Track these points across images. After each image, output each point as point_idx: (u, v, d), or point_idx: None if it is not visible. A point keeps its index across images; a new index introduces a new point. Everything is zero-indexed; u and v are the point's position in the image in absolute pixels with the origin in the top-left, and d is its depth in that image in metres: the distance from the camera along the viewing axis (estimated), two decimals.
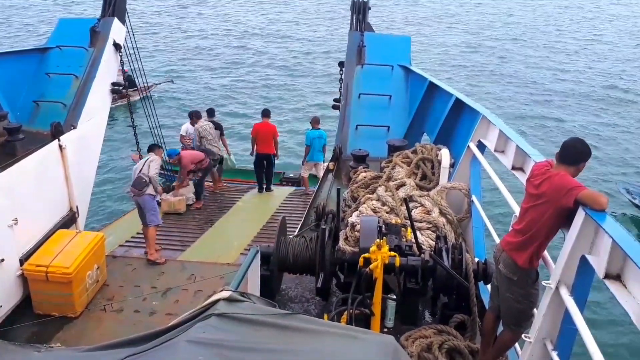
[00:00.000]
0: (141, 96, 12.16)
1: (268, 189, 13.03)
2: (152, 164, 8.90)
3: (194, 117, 12.38)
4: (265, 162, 12.58)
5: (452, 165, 7.05)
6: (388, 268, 4.72)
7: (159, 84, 24.45)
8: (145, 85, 12.58)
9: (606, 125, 21.25)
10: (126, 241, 9.92)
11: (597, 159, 17.70)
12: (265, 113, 12.41)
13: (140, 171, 8.95)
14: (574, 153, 4.00)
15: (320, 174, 11.25)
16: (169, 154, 11.25)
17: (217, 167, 12.80)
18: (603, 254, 3.38)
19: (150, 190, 8.94)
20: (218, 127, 12.50)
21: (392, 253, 4.73)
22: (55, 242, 7.79)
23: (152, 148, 9.47)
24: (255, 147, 12.42)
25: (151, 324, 7.17)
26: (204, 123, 12.10)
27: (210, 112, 12.86)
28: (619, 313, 9.46)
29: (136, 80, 11.47)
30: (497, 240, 4.77)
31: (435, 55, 30.31)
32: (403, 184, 6.68)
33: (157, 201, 9.46)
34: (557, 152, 4.08)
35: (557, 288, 3.85)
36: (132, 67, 11.10)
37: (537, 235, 4.02)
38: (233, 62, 29.45)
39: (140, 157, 13.83)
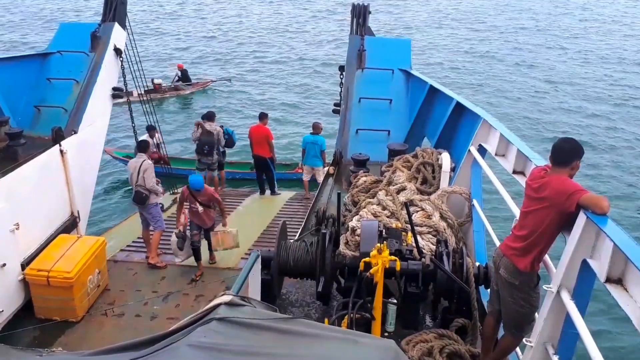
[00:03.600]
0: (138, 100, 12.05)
1: (273, 193, 13.11)
2: (147, 175, 8.84)
3: (151, 130, 12.77)
4: (261, 165, 12.69)
5: (453, 169, 7.05)
6: (388, 272, 4.72)
7: (215, 80, 24.98)
8: (140, 88, 12.33)
9: (618, 128, 21.19)
10: (127, 246, 9.94)
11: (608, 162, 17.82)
12: (261, 116, 12.69)
13: (136, 183, 8.94)
14: (564, 154, 4.00)
15: (320, 179, 11.27)
16: (194, 184, 8.75)
17: (218, 172, 12.84)
18: (604, 257, 3.38)
19: (152, 199, 8.97)
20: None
21: (393, 257, 4.72)
22: (56, 247, 7.81)
23: (143, 148, 9.33)
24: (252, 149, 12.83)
25: (152, 329, 7.17)
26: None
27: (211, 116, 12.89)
28: (621, 317, 9.43)
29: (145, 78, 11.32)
30: (498, 244, 4.76)
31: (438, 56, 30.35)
32: (403, 188, 6.68)
33: (161, 205, 9.47)
34: (550, 156, 4.08)
35: (558, 292, 3.85)
36: (132, 69, 11.08)
37: (538, 240, 4.01)
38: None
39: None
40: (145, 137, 15.05)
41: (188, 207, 8.97)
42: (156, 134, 13.19)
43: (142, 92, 11.43)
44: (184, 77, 23.57)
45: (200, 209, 8.81)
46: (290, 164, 16.14)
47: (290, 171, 15.78)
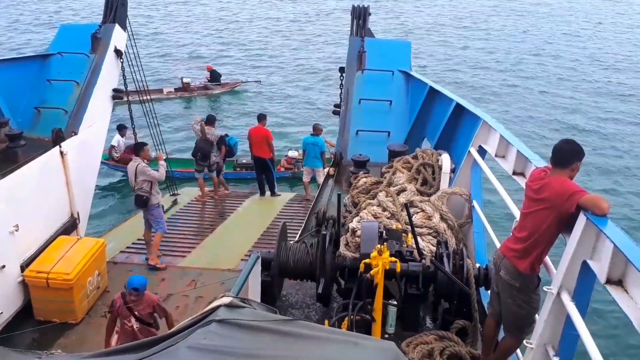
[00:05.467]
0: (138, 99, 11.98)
1: (273, 194, 13.11)
2: (146, 176, 8.82)
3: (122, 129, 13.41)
4: (261, 166, 12.69)
5: (453, 171, 7.05)
6: (389, 274, 4.71)
7: (245, 82, 25.37)
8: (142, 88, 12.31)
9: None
10: (127, 247, 9.93)
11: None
12: (259, 117, 12.65)
13: (135, 187, 8.96)
14: (564, 155, 4.00)
15: (320, 180, 11.28)
16: (132, 281, 6.30)
17: (218, 175, 12.85)
18: (604, 259, 3.38)
19: (153, 200, 8.97)
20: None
21: (393, 259, 4.71)
22: (56, 249, 7.80)
23: (138, 150, 9.25)
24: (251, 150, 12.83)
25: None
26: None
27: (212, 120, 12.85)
28: (621, 318, 9.42)
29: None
30: (499, 245, 4.76)
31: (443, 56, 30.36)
32: (404, 190, 6.68)
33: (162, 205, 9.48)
34: (550, 157, 4.08)
35: (558, 293, 3.84)
36: (132, 71, 11.06)
37: (538, 241, 4.01)
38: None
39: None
40: (117, 137, 15.15)
41: (119, 326, 6.39)
42: (127, 133, 13.67)
43: (142, 92, 11.36)
44: (213, 77, 24.19)
45: (136, 325, 6.23)
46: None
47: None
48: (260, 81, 25.78)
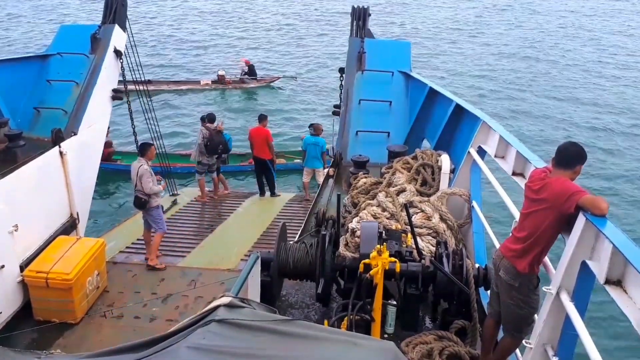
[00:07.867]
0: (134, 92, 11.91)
1: (273, 194, 13.12)
2: (143, 180, 8.81)
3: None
4: (261, 166, 12.70)
5: (453, 171, 7.06)
6: (388, 274, 4.72)
7: (281, 77, 25.68)
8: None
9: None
10: (126, 247, 9.92)
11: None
12: (260, 118, 12.67)
13: (135, 188, 8.96)
14: (568, 156, 4.02)
15: (320, 180, 11.28)
16: None
17: (217, 175, 12.85)
18: (604, 259, 3.39)
19: (152, 203, 8.97)
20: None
21: (393, 259, 4.72)
22: (55, 249, 7.79)
23: (143, 151, 9.18)
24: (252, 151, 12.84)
25: (151, 330, 7.16)
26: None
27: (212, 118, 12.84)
28: (620, 319, 9.42)
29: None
30: (498, 245, 4.76)
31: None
32: (403, 190, 6.69)
33: (162, 206, 9.46)
34: (553, 157, 4.09)
35: (557, 293, 3.85)
36: (131, 68, 11.05)
37: (538, 241, 4.02)
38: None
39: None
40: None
41: None
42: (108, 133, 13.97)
43: (141, 88, 11.35)
44: (250, 72, 24.58)
45: None
46: (245, 154, 16.16)
47: (244, 163, 15.80)
48: (296, 78, 26.03)
